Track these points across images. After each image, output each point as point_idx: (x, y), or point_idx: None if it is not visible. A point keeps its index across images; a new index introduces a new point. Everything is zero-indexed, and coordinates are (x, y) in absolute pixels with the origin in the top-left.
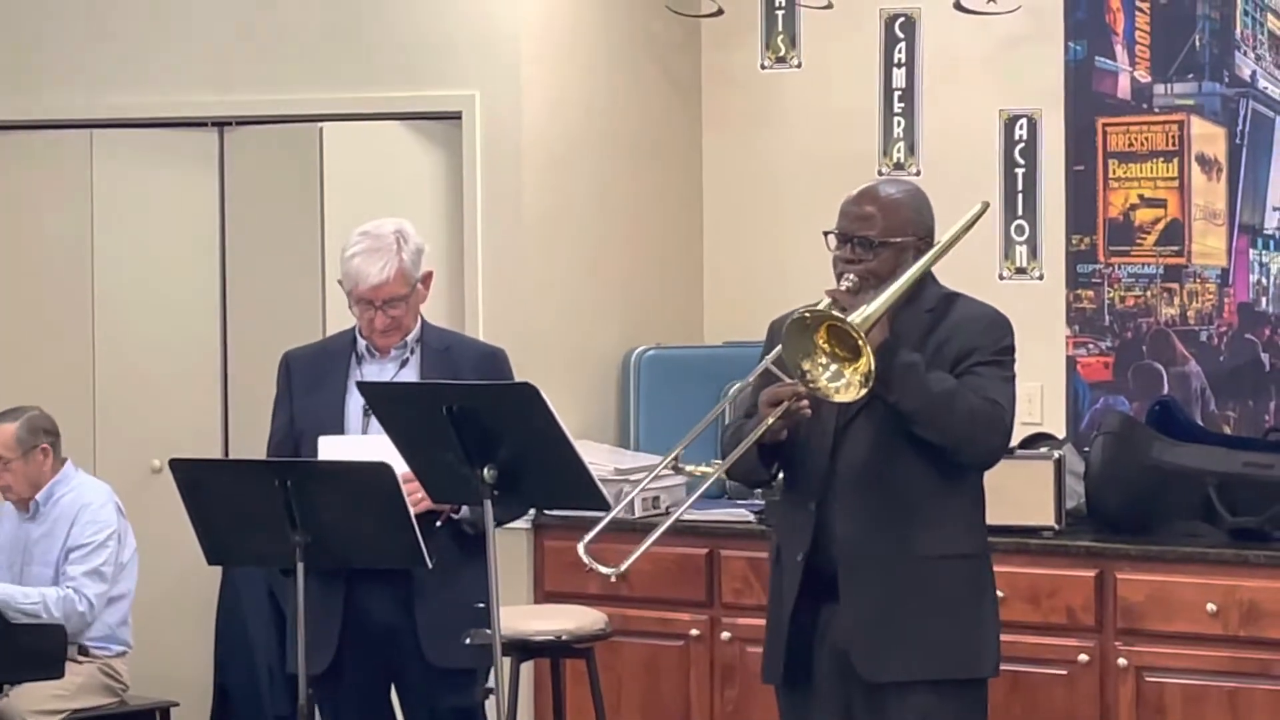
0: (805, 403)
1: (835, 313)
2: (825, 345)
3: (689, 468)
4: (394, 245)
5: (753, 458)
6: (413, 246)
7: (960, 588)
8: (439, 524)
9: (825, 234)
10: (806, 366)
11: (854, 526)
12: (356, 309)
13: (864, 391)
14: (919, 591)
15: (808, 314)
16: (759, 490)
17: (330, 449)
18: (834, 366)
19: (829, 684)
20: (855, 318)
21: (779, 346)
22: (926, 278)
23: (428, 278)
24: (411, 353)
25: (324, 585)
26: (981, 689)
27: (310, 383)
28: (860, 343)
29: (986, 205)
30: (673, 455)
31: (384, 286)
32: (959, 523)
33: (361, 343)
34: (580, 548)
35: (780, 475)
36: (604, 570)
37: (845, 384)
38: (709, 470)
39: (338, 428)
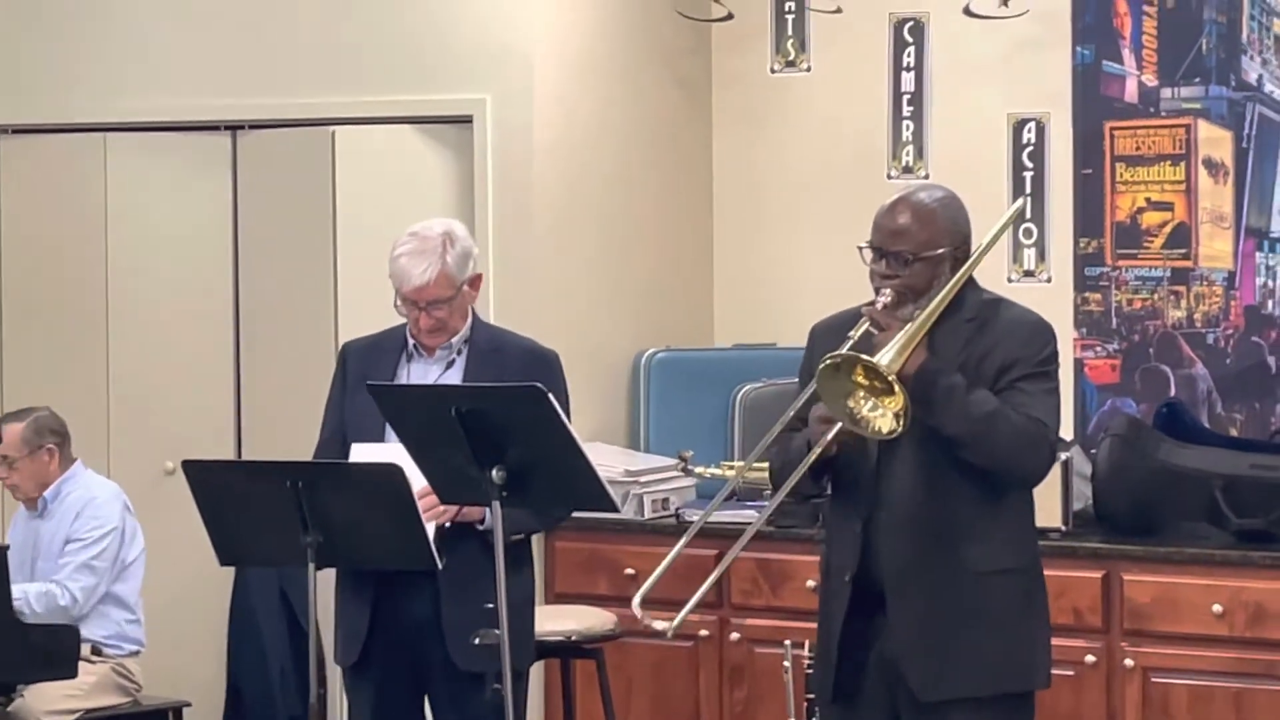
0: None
1: (865, 357)
2: (863, 380)
3: (699, 469)
4: (439, 248)
5: (805, 476)
6: (460, 249)
7: (1010, 602)
8: (448, 525)
9: (860, 248)
10: (851, 405)
11: (900, 545)
12: (403, 308)
13: (900, 425)
14: (968, 608)
15: (838, 359)
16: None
17: (361, 456)
18: (873, 399)
19: (876, 699)
20: (884, 357)
21: (813, 385)
22: (967, 283)
23: (476, 280)
24: (458, 353)
25: (355, 581)
26: (1029, 701)
27: (360, 379)
28: (891, 380)
29: (1024, 203)
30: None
31: (426, 289)
32: (1007, 537)
33: (411, 341)
34: (635, 603)
35: (826, 487)
36: (658, 626)
37: (881, 415)
38: (718, 472)
39: (379, 430)
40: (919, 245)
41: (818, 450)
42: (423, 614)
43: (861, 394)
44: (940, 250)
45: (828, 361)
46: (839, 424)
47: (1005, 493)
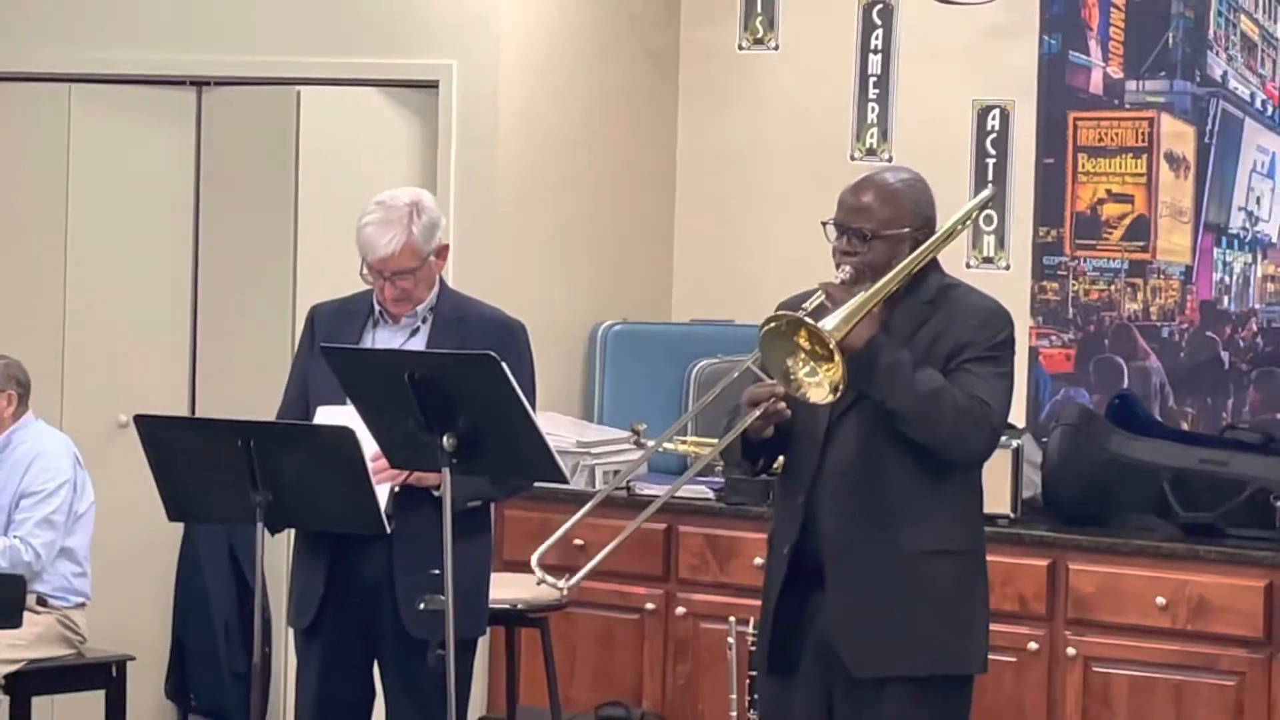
0: (783, 405)
1: (808, 319)
2: (805, 344)
3: (651, 443)
4: (405, 218)
5: (737, 450)
6: (426, 220)
7: (948, 584)
8: (395, 489)
9: (824, 224)
10: (789, 364)
11: (840, 521)
12: (369, 276)
13: (831, 397)
14: (905, 587)
15: (781, 321)
16: (719, 469)
17: (326, 418)
18: (811, 364)
19: (811, 674)
20: (829, 323)
21: (757, 349)
22: (929, 266)
23: (443, 250)
24: (424, 321)
25: (312, 543)
26: (966, 686)
27: (327, 341)
28: (832, 348)
29: (993, 191)
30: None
31: (391, 259)
32: (948, 519)
33: (378, 307)
34: (533, 560)
35: (769, 466)
36: (555, 585)
37: (817, 384)
38: (671, 447)
39: (342, 393)
40: (880, 223)
41: (740, 427)
42: (376, 578)
43: (802, 356)
44: (902, 230)
45: (771, 323)
46: (764, 406)
47: (947, 473)
